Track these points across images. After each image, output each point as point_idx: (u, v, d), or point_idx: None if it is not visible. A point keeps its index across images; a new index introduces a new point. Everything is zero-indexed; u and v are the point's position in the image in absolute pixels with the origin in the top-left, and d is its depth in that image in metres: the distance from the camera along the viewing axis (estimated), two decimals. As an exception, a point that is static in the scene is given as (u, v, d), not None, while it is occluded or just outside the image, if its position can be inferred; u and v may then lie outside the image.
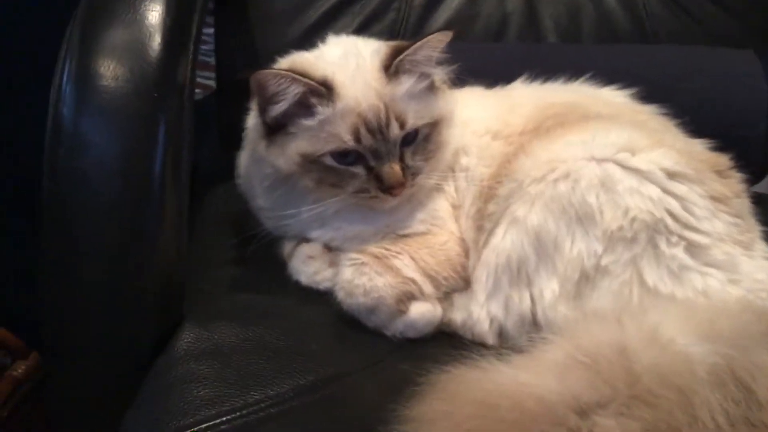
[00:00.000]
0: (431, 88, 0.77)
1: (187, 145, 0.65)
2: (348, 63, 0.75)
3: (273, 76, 0.71)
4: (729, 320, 0.63)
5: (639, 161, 0.70)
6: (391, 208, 0.77)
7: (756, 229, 0.74)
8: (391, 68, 0.74)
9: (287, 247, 0.83)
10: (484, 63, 0.99)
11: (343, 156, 0.73)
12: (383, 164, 0.73)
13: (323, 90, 0.72)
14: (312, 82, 0.71)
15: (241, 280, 0.77)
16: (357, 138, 0.72)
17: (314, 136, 0.72)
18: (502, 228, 0.75)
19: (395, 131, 0.73)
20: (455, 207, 0.82)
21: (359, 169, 0.74)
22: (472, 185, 0.80)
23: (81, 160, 0.60)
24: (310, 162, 0.73)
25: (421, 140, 0.76)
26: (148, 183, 0.61)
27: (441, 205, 0.81)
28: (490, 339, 0.75)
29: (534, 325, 0.73)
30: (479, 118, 0.84)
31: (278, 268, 0.80)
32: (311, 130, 0.72)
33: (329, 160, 0.73)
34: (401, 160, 0.74)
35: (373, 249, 0.76)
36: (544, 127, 0.80)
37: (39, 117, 0.62)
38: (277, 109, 0.73)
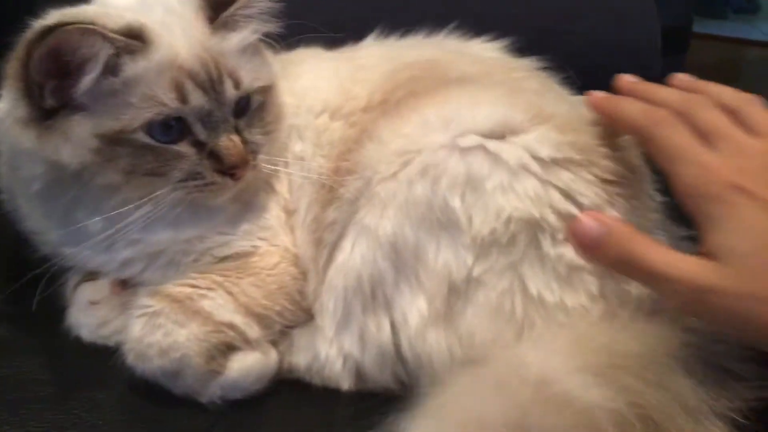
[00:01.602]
0: (257, 47, 0.59)
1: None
2: (152, 9, 0.56)
3: (82, 33, 0.49)
4: (630, 341, 0.50)
5: (512, 150, 0.55)
6: (224, 202, 0.58)
7: (656, 205, 0.62)
8: (219, 20, 0.56)
9: (70, 284, 0.62)
10: (331, 15, 0.80)
11: (165, 128, 0.53)
12: (219, 136, 0.54)
13: (138, 45, 0.51)
14: (128, 40, 0.51)
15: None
16: (182, 96, 0.53)
17: (119, 104, 0.52)
18: (349, 240, 0.58)
19: (230, 90, 0.55)
20: (288, 212, 0.63)
21: (186, 147, 0.54)
22: (307, 183, 0.62)
23: None
24: (115, 144, 0.52)
25: (255, 110, 0.58)
26: None
27: (271, 210, 0.62)
28: (346, 382, 0.59)
29: (399, 359, 0.57)
30: (316, 90, 0.65)
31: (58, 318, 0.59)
32: (112, 98, 0.52)
33: (144, 137, 0.52)
34: (236, 132, 0.56)
35: (172, 287, 0.56)
36: (394, 99, 0.62)
37: None
38: (87, 81, 0.51)
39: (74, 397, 0.52)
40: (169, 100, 0.53)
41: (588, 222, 0.51)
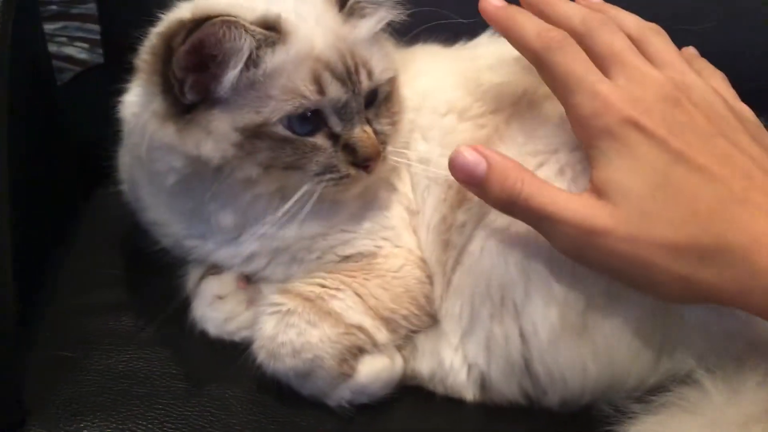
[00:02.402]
0: (381, 36, 0.58)
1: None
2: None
3: (228, 26, 0.48)
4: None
5: None
6: (320, 208, 0.55)
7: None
8: (347, 7, 0.54)
9: (192, 278, 0.61)
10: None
11: (302, 121, 0.52)
12: (354, 128, 0.53)
13: (275, 35, 0.50)
14: (266, 31, 0.50)
15: (119, 335, 0.55)
16: (320, 88, 0.51)
17: (260, 97, 0.50)
18: (478, 243, 0.55)
19: (365, 81, 0.53)
20: (411, 213, 0.61)
21: (322, 140, 0.53)
22: (433, 184, 0.60)
23: None
24: (255, 137, 0.51)
25: (382, 100, 0.56)
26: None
27: (393, 210, 0.60)
28: (470, 392, 0.57)
29: (527, 372, 0.55)
30: (440, 90, 0.62)
31: (180, 309, 0.58)
32: (253, 91, 0.50)
33: (283, 130, 0.51)
34: (369, 124, 0.55)
35: (302, 286, 0.55)
36: (525, 100, 0.60)
37: None
38: (231, 76, 0.49)
39: (205, 394, 0.51)
40: (309, 92, 0.51)
41: (467, 155, 0.49)
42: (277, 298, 0.54)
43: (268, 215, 0.54)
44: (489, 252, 0.54)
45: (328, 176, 0.53)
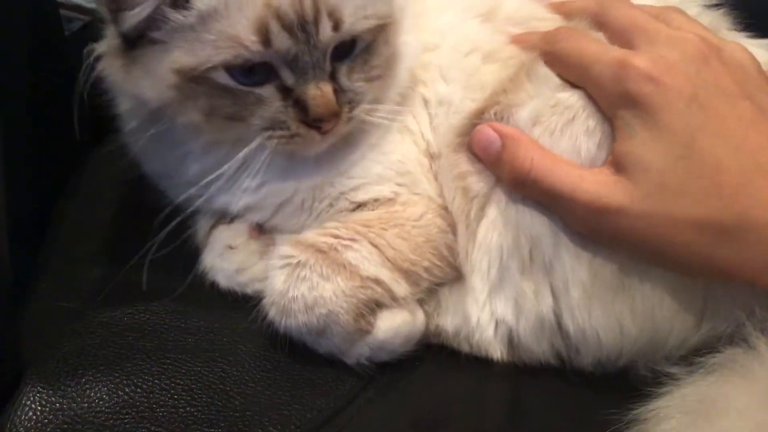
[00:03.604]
0: None
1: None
2: None
3: None
4: None
5: None
6: (321, 155, 0.52)
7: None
8: None
9: (202, 228, 0.58)
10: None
11: (247, 70, 0.47)
12: (307, 83, 0.48)
13: None
14: None
15: (124, 287, 0.52)
16: (265, 39, 0.46)
17: (196, 39, 0.46)
18: (504, 193, 0.51)
19: (326, 32, 0.47)
20: (432, 157, 0.56)
21: (269, 91, 0.48)
22: (451, 126, 0.54)
23: None
24: (193, 82, 0.47)
25: (360, 52, 0.51)
26: None
27: (407, 153, 0.55)
28: (497, 350, 0.53)
29: (559, 331, 0.51)
30: (463, 29, 0.57)
31: (189, 260, 0.55)
32: (191, 32, 0.47)
33: (223, 77, 0.47)
34: (332, 78, 0.49)
35: (315, 236, 0.51)
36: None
37: None
38: (136, 15, 0.46)
39: (216, 349, 0.48)
40: (249, 43, 0.46)
41: (486, 132, 0.49)
42: (287, 249, 0.50)
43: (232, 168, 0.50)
44: (515, 205, 0.50)
45: (278, 132, 0.49)
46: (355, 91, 0.51)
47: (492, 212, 0.51)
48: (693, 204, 0.44)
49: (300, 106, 0.48)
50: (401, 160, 0.55)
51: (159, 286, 0.52)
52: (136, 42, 0.48)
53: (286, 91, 0.48)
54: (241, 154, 0.49)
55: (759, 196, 0.43)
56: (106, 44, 0.51)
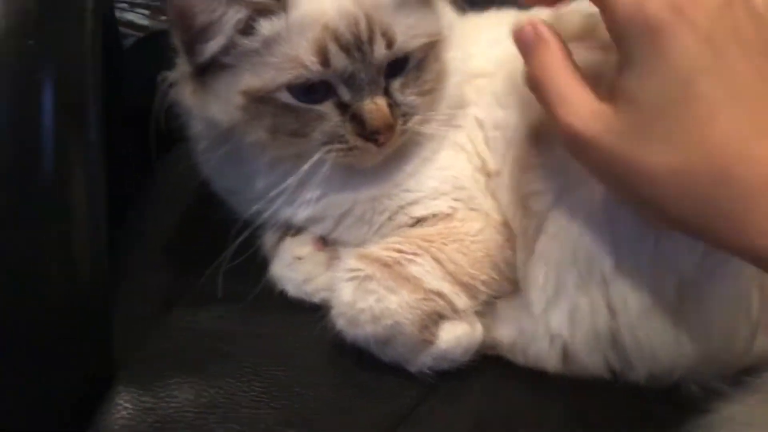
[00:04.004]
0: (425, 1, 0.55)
1: (95, 113, 0.42)
2: None
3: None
4: None
5: None
6: (378, 168, 0.55)
7: None
8: None
9: (269, 240, 0.61)
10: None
11: (308, 89, 0.51)
12: (363, 99, 0.51)
13: (273, 4, 0.49)
14: (257, 0, 0.49)
15: (199, 293, 0.55)
16: (324, 60, 0.50)
17: (261, 63, 0.50)
18: (563, 209, 0.53)
19: (380, 51, 0.51)
20: (487, 174, 0.58)
21: (328, 108, 0.52)
22: (512, 147, 0.57)
23: None
24: (259, 102, 0.51)
25: (412, 68, 0.54)
26: (37, 193, 0.38)
27: (462, 170, 0.58)
28: (551, 363, 0.55)
29: (614, 345, 0.53)
30: (518, 58, 0.59)
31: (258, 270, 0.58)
32: (256, 56, 0.51)
33: (286, 96, 0.51)
34: (386, 93, 0.52)
35: (379, 251, 0.54)
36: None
37: None
38: (212, 46, 0.50)
39: (289, 354, 0.51)
40: (310, 63, 0.50)
41: (528, 28, 0.47)
42: (354, 263, 0.53)
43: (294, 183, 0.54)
44: (575, 220, 0.52)
45: (337, 146, 0.52)
46: (409, 105, 0.54)
47: (551, 228, 0.53)
48: (671, 151, 0.41)
49: (357, 120, 0.52)
50: (456, 176, 0.58)
51: (231, 294, 0.55)
52: (206, 69, 0.52)
53: (343, 107, 0.52)
54: (305, 167, 0.53)
55: (745, 154, 0.40)
56: (178, 72, 0.55)
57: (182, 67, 0.54)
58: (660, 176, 0.41)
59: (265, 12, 0.50)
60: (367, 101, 0.51)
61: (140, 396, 0.44)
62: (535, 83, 0.47)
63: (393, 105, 0.53)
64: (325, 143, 0.52)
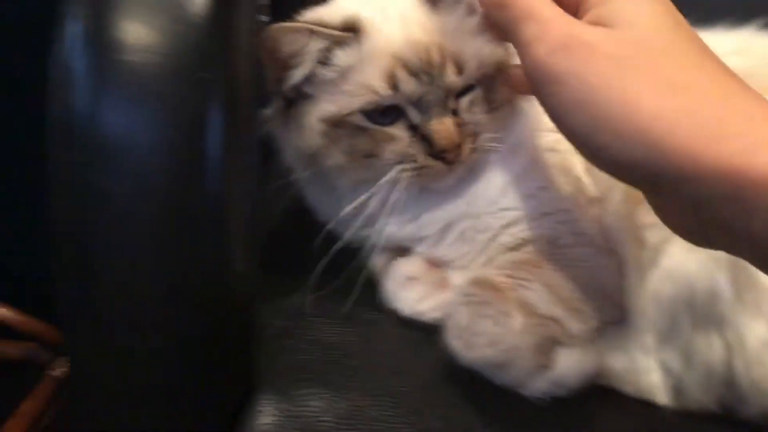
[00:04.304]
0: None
1: (253, 138, 0.45)
2: (377, 2, 0.57)
3: (285, 32, 0.54)
4: None
5: None
6: (453, 185, 0.58)
7: None
8: (443, 1, 0.56)
9: (378, 260, 0.63)
10: None
11: (379, 114, 0.55)
12: (431, 119, 0.54)
13: (349, 36, 0.54)
14: (335, 32, 0.54)
15: (320, 309, 0.58)
16: (393, 85, 0.54)
17: (337, 91, 0.55)
18: (681, 244, 0.53)
19: (451, 77, 0.54)
20: (589, 199, 0.59)
21: (399, 130, 0.55)
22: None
23: (101, 173, 0.40)
24: (336, 126, 0.55)
25: (481, 88, 0.57)
26: (200, 206, 0.41)
27: (561, 192, 0.59)
28: (661, 396, 0.55)
29: (728, 382, 0.53)
30: None
31: (369, 288, 0.60)
32: (333, 85, 0.56)
33: (359, 120, 0.55)
34: (454, 113, 0.55)
35: (493, 276, 0.55)
36: None
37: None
38: (297, 74, 0.56)
39: (407, 371, 0.52)
40: (380, 89, 0.54)
41: None
42: (469, 288, 0.55)
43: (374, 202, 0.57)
44: (695, 255, 0.53)
45: (408, 165, 0.55)
46: (477, 123, 0.56)
47: (666, 263, 0.54)
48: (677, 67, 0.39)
49: (426, 140, 0.55)
50: (558, 198, 0.59)
51: (348, 311, 0.57)
52: (292, 102, 0.57)
53: (413, 128, 0.55)
54: (380, 185, 0.56)
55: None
56: (272, 109, 0.60)
57: (275, 103, 0.60)
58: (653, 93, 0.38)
59: (341, 43, 0.55)
60: (435, 121, 0.54)
61: (280, 404, 0.47)
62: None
63: (461, 124, 0.55)
64: (397, 163, 0.55)
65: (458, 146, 0.55)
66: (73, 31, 0.40)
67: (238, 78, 0.43)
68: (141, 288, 0.42)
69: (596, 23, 0.42)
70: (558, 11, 0.43)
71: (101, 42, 0.40)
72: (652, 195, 0.45)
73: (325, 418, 0.46)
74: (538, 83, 0.42)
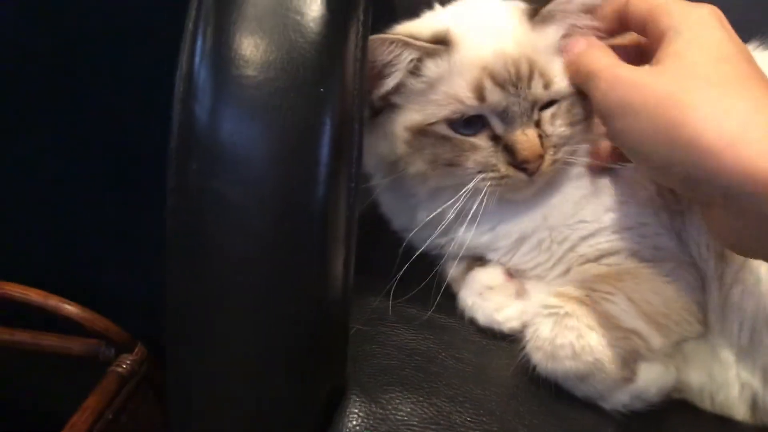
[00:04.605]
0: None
1: (359, 148, 0.47)
2: (471, 13, 0.59)
3: (381, 43, 0.54)
4: None
5: None
6: (531, 197, 0.59)
7: None
8: (538, 16, 0.57)
9: (453, 269, 0.65)
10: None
11: (464, 123, 0.56)
12: (515, 130, 0.55)
13: (440, 48, 0.55)
14: (427, 44, 0.55)
15: (400, 316, 0.59)
16: (480, 96, 0.55)
17: (425, 101, 0.57)
18: (764, 265, 0.54)
19: (538, 90, 0.56)
20: (670, 213, 0.60)
21: (482, 139, 0.56)
22: None
23: (219, 180, 0.43)
24: (421, 135, 0.57)
25: (563, 101, 0.58)
26: (310, 218, 0.43)
27: (640, 208, 0.60)
28: (740, 412, 0.56)
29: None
30: None
31: (445, 296, 0.61)
32: (421, 95, 0.57)
33: (444, 129, 0.56)
34: (537, 125, 0.56)
35: (575, 289, 0.56)
36: None
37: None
38: (388, 83, 0.57)
39: (486, 380, 0.54)
40: (467, 99, 0.55)
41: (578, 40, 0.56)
42: (552, 300, 0.56)
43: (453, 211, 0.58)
44: None
45: (490, 174, 0.56)
46: (559, 135, 0.57)
47: (750, 279, 0.55)
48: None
49: (509, 150, 0.56)
50: (637, 212, 0.60)
51: (427, 318, 0.59)
52: (379, 111, 0.59)
53: (496, 138, 0.57)
54: (460, 194, 0.57)
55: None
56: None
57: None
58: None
59: (432, 55, 0.56)
60: (518, 132, 0.56)
61: (370, 406, 0.48)
62: (576, 72, 0.55)
63: (543, 136, 0.57)
64: (479, 172, 0.57)
65: (540, 157, 0.56)
66: (197, 46, 0.43)
67: (349, 92, 0.45)
68: (251, 288, 0.44)
69: (655, 63, 0.49)
70: (612, 61, 0.51)
71: (223, 56, 0.43)
72: (707, 208, 0.47)
73: (413, 423, 0.48)
74: (602, 119, 0.51)
